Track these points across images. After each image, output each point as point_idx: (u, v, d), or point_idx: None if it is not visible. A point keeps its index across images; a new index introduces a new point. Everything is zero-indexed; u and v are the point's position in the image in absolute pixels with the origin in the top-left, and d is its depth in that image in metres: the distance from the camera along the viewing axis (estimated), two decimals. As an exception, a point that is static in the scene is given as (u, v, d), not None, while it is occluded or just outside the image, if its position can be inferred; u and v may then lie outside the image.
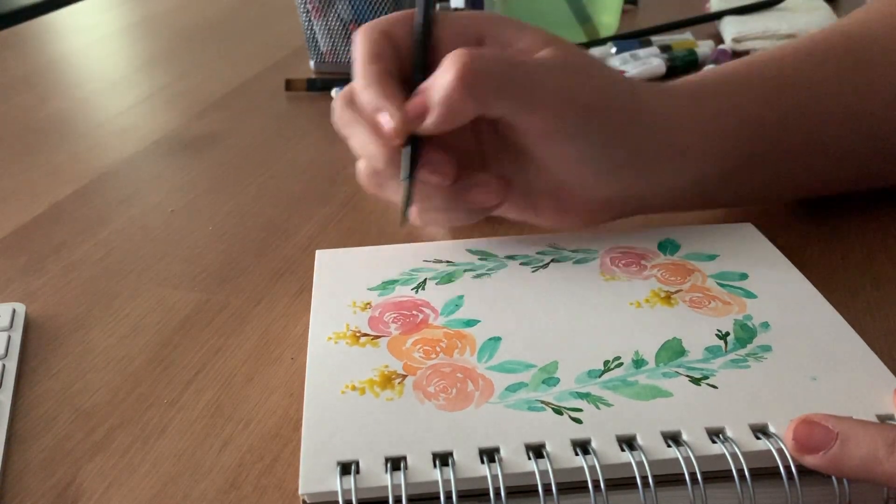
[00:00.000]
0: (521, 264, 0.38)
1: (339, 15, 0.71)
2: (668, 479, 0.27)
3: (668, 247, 0.39)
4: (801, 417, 0.27)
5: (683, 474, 0.26)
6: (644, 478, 0.26)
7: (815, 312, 0.34)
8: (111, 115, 0.66)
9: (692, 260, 0.38)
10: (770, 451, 0.27)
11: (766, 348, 0.32)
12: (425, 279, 0.37)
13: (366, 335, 0.34)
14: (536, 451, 0.27)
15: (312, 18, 0.72)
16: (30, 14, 1.25)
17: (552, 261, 0.38)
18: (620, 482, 0.27)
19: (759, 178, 0.42)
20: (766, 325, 0.33)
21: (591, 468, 0.27)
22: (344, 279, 0.37)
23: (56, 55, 0.83)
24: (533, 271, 0.38)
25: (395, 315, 0.35)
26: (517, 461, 0.27)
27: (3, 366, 0.35)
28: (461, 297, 0.36)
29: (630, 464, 0.27)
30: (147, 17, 0.96)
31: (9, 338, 0.37)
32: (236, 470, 0.31)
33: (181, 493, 0.30)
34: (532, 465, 0.27)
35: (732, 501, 0.27)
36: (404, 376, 0.31)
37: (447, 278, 0.37)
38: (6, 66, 0.79)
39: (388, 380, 0.31)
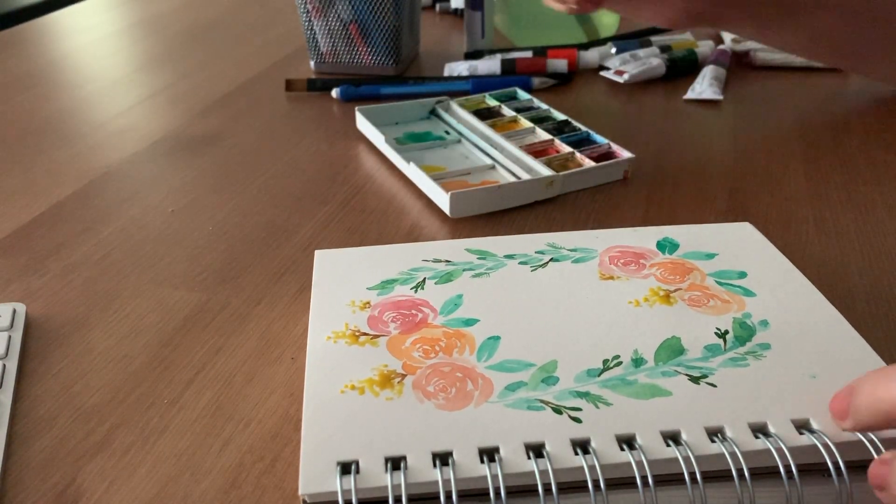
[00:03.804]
0: (520, 263, 0.38)
1: (339, 15, 0.71)
2: (668, 478, 0.27)
3: (666, 246, 0.39)
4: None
5: (683, 474, 0.26)
6: (644, 477, 0.26)
7: (813, 310, 0.34)
8: (111, 115, 0.66)
9: (691, 259, 0.38)
10: (769, 450, 0.27)
11: (766, 346, 0.32)
12: (424, 278, 0.37)
13: (365, 334, 0.34)
14: (536, 450, 0.27)
15: (312, 18, 0.72)
16: (30, 14, 1.26)
17: (551, 260, 0.38)
18: (620, 482, 0.27)
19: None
20: (765, 323, 0.33)
21: (591, 468, 0.27)
22: (343, 278, 0.38)
23: (56, 55, 0.83)
24: (532, 270, 0.38)
25: (394, 314, 0.35)
26: (517, 461, 0.27)
27: (3, 366, 0.35)
28: (460, 296, 0.36)
29: (630, 463, 0.27)
30: (147, 17, 0.96)
31: (9, 338, 0.37)
32: (236, 470, 0.31)
33: (181, 493, 0.30)
34: (532, 465, 0.27)
35: (732, 501, 0.27)
36: (404, 375, 0.31)
37: (446, 277, 0.37)
38: (6, 66, 0.79)
39: (387, 379, 0.31)
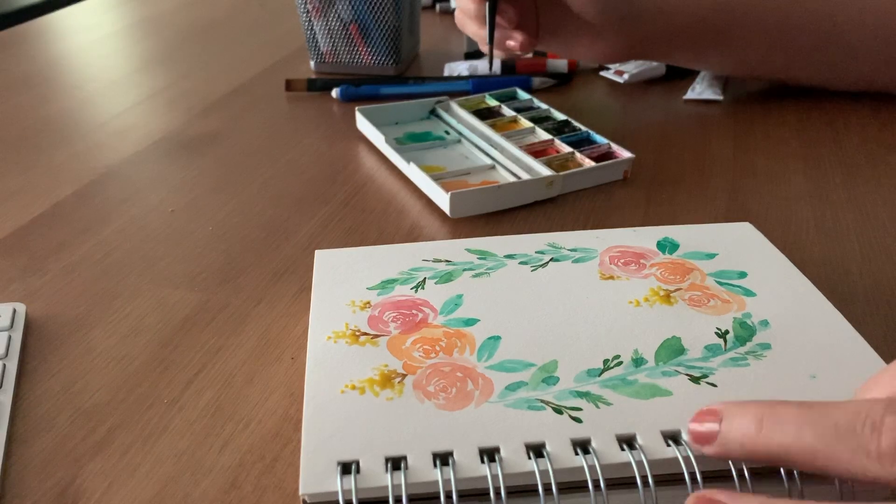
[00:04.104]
0: (520, 263, 0.38)
1: (339, 15, 0.71)
2: (668, 478, 0.27)
3: (667, 246, 0.39)
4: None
5: (683, 474, 0.26)
6: (644, 477, 0.26)
7: (814, 310, 0.34)
8: (111, 115, 0.66)
9: (691, 259, 0.38)
10: (769, 449, 0.27)
11: (766, 346, 0.32)
12: (424, 278, 0.37)
13: (365, 334, 0.34)
14: (536, 450, 0.27)
15: (312, 18, 0.72)
16: (30, 14, 1.26)
17: (551, 260, 0.38)
18: (620, 482, 0.27)
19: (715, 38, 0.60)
20: (765, 323, 0.33)
21: (591, 468, 0.27)
22: (343, 278, 0.38)
23: (56, 55, 0.83)
24: (532, 270, 0.38)
25: (394, 314, 0.35)
26: (517, 461, 0.27)
27: (4, 366, 0.35)
28: (460, 296, 0.36)
29: (630, 463, 0.27)
30: (147, 17, 0.96)
31: (9, 338, 0.37)
32: (236, 470, 0.31)
33: (181, 493, 0.30)
34: (532, 465, 0.27)
35: (732, 500, 0.27)
36: (404, 375, 0.31)
37: (446, 277, 0.37)
38: (6, 66, 0.79)
39: (387, 379, 0.31)
